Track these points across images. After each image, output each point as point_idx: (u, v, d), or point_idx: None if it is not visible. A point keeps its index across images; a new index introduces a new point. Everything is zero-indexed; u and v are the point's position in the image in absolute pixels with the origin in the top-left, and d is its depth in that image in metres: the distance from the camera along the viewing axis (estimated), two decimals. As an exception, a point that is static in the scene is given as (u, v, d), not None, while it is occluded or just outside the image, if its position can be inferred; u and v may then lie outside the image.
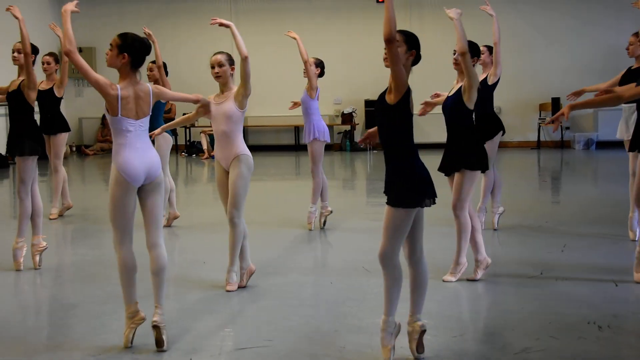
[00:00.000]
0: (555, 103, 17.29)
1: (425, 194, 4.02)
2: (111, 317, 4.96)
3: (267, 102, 18.02)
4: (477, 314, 5.22)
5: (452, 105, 5.60)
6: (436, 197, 4.08)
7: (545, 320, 4.78)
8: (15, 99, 6.48)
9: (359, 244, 7.29)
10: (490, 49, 7.42)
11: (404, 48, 4.00)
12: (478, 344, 4.47)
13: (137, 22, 15.80)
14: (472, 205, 5.80)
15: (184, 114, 6.93)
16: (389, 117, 4.01)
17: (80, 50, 8.66)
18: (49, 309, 5.51)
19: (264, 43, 17.78)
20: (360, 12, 18.64)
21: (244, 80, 5.53)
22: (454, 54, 5.69)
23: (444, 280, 5.72)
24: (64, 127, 8.95)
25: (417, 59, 4.07)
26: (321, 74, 7.99)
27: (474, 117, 5.74)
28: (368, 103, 18.07)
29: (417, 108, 5.12)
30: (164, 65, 8.20)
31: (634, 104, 6.42)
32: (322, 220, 8.11)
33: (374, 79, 16.77)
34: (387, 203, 4.02)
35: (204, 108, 5.20)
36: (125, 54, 4.35)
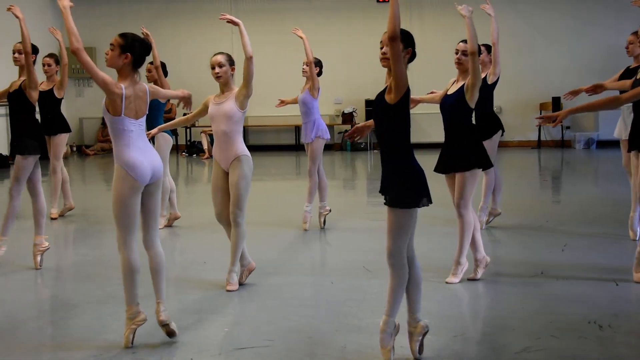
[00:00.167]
0: (556, 103, 17.28)
1: (423, 194, 4.02)
2: (112, 317, 4.97)
3: (267, 102, 17.89)
4: (477, 314, 5.21)
5: (454, 104, 5.56)
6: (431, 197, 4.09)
7: (546, 319, 4.78)
8: (17, 99, 6.50)
9: (359, 243, 7.29)
10: (488, 48, 7.42)
11: (401, 46, 4.00)
12: (478, 344, 4.47)
13: (137, 22, 15.77)
14: (472, 205, 5.79)
15: (184, 114, 6.93)
16: (388, 116, 4.01)
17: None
18: (50, 308, 5.52)
19: (264, 43, 17.75)
20: (360, 12, 18.63)
21: (247, 81, 5.53)
22: (457, 53, 5.66)
23: (447, 282, 5.69)
24: (64, 127, 8.96)
25: (412, 57, 4.08)
26: (319, 74, 7.99)
27: (473, 116, 5.73)
28: (368, 103, 18.05)
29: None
30: (164, 65, 8.18)
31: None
32: (322, 220, 8.12)
33: (374, 79, 16.70)
34: (388, 204, 4.02)
35: (184, 101, 5.18)
36: (128, 54, 4.35)
